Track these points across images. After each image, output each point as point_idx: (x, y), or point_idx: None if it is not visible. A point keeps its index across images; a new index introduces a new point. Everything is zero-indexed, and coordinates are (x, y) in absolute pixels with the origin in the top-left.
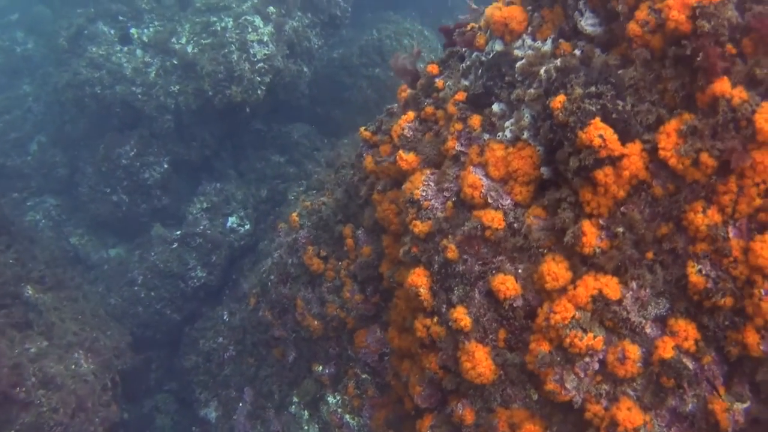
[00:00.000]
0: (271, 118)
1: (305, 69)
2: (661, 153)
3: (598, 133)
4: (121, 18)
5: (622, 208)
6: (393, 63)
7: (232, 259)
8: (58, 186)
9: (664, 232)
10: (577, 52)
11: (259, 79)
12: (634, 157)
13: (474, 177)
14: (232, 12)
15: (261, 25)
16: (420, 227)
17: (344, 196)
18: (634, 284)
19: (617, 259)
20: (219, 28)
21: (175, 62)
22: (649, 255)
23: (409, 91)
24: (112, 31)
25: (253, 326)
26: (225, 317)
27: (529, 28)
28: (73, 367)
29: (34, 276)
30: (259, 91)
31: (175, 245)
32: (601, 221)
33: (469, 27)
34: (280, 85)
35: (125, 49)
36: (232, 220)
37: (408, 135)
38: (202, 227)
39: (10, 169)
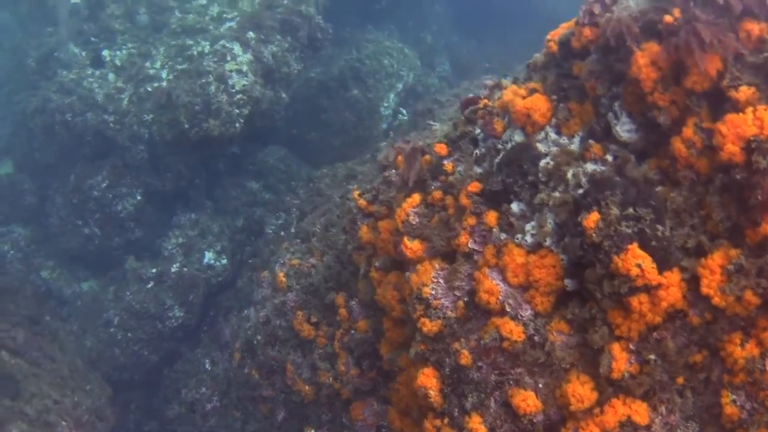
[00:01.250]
0: (246, 141)
1: (283, 95)
2: (704, 290)
3: (636, 262)
4: (93, 39)
5: (654, 334)
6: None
7: (209, 295)
8: (27, 214)
9: (698, 360)
10: (609, 157)
11: (237, 111)
12: (672, 288)
13: (491, 283)
14: (209, 35)
15: (240, 53)
16: (429, 326)
17: (336, 263)
18: (663, 408)
19: (647, 384)
20: (195, 53)
21: (149, 89)
22: (680, 380)
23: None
24: (84, 53)
25: (239, 382)
26: (207, 366)
27: (554, 120)
28: None
29: (8, 343)
30: (237, 124)
31: (151, 284)
32: (631, 345)
33: (482, 104)
34: (257, 113)
35: (97, 73)
36: (208, 256)
37: (413, 222)
38: (178, 264)
39: None
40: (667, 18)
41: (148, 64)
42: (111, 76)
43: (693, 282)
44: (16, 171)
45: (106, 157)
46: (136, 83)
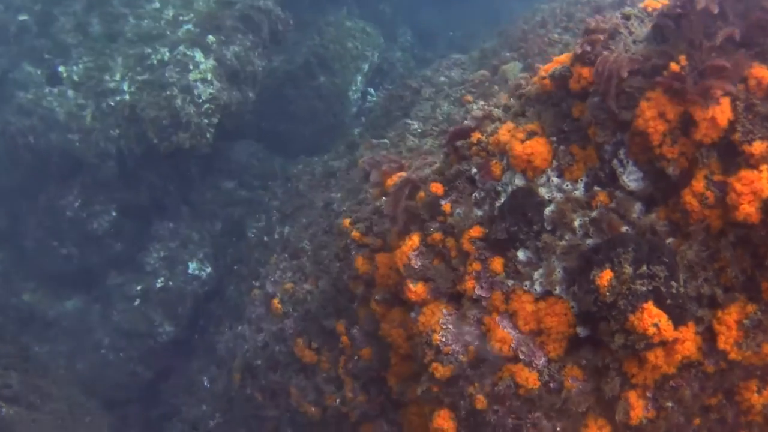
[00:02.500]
0: (216, 140)
1: (250, 94)
2: (721, 346)
3: (653, 321)
4: (47, 56)
5: (671, 382)
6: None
7: (198, 305)
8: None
9: (713, 403)
10: (614, 205)
11: (206, 121)
12: (687, 343)
13: (503, 332)
14: (168, 40)
15: (202, 60)
16: (442, 371)
17: (332, 289)
18: None
19: (664, 427)
20: (155, 62)
21: (112, 104)
22: (697, 421)
23: (399, 176)
24: (39, 71)
25: (242, 402)
26: (206, 383)
27: (555, 163)
28: None
29: (5, 392)
30: (208, 134)
31: (138, 302)
32: (648, 393)
33: (474, 138)
34: (226, 116)
35: (55, 90)
36: (192, 267)
37: (415, 266)
38: (162, 279)
39: None
40: (674, 66)
41: (107, 77)
42: (70, 93)
43: (708, 332)
44: None
45: (76, 176)
46: (98, 98)
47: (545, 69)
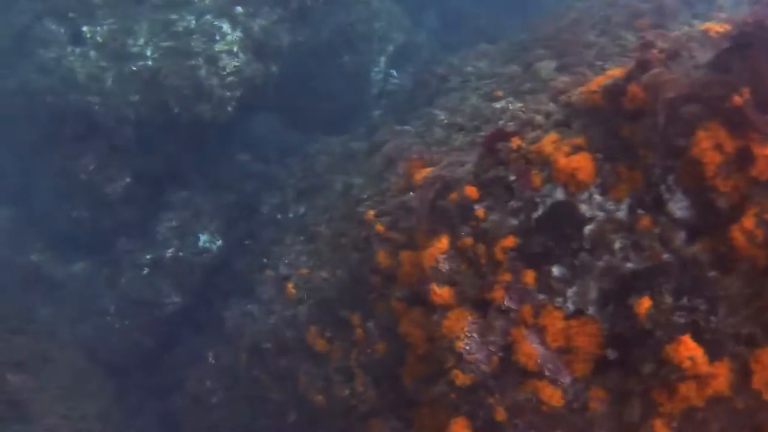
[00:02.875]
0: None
1: (274, 68)
2: (755, 385)
3: (689, 355)
4: (71, 15)
5: (698, 415)
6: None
7: (207, 277)
8: (10, 196)
9: None
10: (657, 231)
11: (229, 94)
12: (720, 378)
13: (530, 347)
14: (194, 8)
15: (229, 31)
16: (462, 379)
17: (349, 279)
18: None
19: None
20: (181, 29)
21: (134, 69)
22: None
23: (429, 171)
24: (62, 30)
25: (248, 382)
26: (210, 359)
27: (598, 180)
28: None
29: (9, 359)
30: (229, 108)
31: (146, 271)
32: (673, 423)
33: (513, 143)
34: (248, 89)
35: (78, 50)
36: (203, 239)
37: (443, 269)
38: (173, 249)
39: None
40: (737, 99)
41: (131, 41)
42: (92, 54)
43: (742, 369)
44: None
45: (92, 139)
46: (120, 62)
47: (596, 82)
